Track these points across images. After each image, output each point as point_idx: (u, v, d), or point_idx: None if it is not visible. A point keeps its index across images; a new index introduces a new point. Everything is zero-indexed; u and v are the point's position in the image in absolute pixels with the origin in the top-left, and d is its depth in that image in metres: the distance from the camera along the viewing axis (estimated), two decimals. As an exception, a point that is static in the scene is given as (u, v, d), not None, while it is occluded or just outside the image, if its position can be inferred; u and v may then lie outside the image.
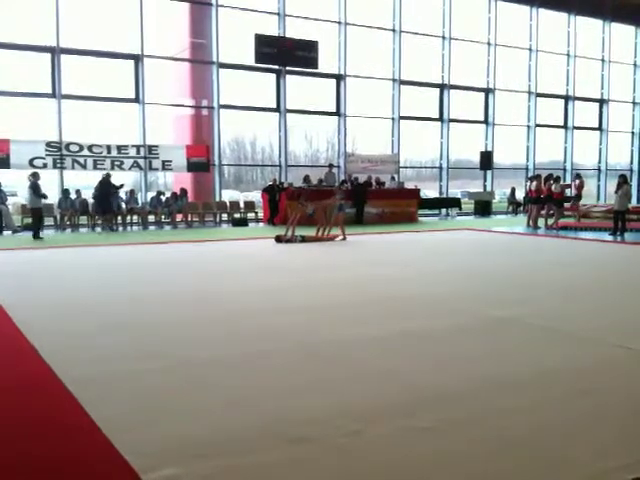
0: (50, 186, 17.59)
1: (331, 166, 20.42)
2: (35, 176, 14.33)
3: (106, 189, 16.41)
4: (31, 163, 16.35)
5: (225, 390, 3.80)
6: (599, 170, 28.43)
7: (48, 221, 16.79)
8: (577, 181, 20.47)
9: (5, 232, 15.44)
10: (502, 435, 3.12)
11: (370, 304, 6.49)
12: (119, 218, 17.10)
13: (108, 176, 16.64)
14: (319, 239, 13.41)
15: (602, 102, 27.88)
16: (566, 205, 18.46)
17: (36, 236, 14.03)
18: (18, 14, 17.15)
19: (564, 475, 2.72)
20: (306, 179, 19.01)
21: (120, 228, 16.94)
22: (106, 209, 16.55)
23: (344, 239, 13.47)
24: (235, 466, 2.79)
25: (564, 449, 2.96)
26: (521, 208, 23.51)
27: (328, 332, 5.27)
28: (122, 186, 17.12)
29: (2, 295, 6.85)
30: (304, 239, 13.08)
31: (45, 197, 14.75)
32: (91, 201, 17.05)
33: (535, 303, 6.54)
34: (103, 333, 5.22)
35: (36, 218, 14.37)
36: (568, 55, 26.42)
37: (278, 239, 13.02)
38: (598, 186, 28.45)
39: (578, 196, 19.96)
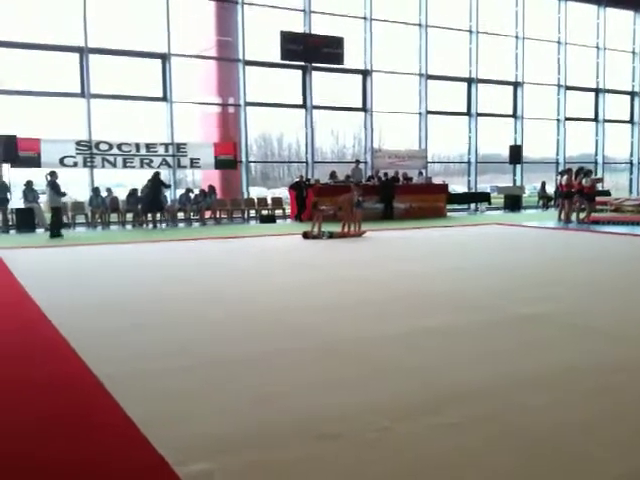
0: (81, 185, 17.92)
1: (357, 162, 20.39)
2: (53, 175, 14.33)
3: (158, 187, 16.75)
4: (62, 162, 16.63)
5: (250, 388, 3.83)
6: (631, 164, 27.95)
7: (79, 219, 17.07)
8: (559, 176, 17.88)
9: (38, 230, 15.72)
10: (525, 432, 3.11)
11: (394, 301, 6.49)
12: (149, 216, 17.27)
13: (158, 174, 17.02)
14: (346, 235, 13.40)
15: (633, 94, 27.39)
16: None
17: (56, 234, 13.96)
18: (46, 15, 17.42)
19: (586, 473, 2.70)
20: (333, 175, 19.02)
21: (150, 225, 17.10)
22: (157, 207, 16.90)
23: (359, 235, 13.47)
24: (264, 462, 2.82)
25: (586, 446, 2.95)
26: (552, 202, 23.14)
27: (351, 329, 5.28)
28: (170, 186, 17.68)
29: (36, 293, 6.98)
30: (331, 235, 13.09)
31: (64, 195, 14.71)
32: (122, 199, 17.31)
33: (560, 299, 6.46)
34: (130, 331, 5.30)
35: (57, 217, 14.34)
36: (598, 47, 26.01)
37: (305, 235, 13.06)
38: (630, 179, 27.99)
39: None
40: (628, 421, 3.26)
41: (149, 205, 16.82)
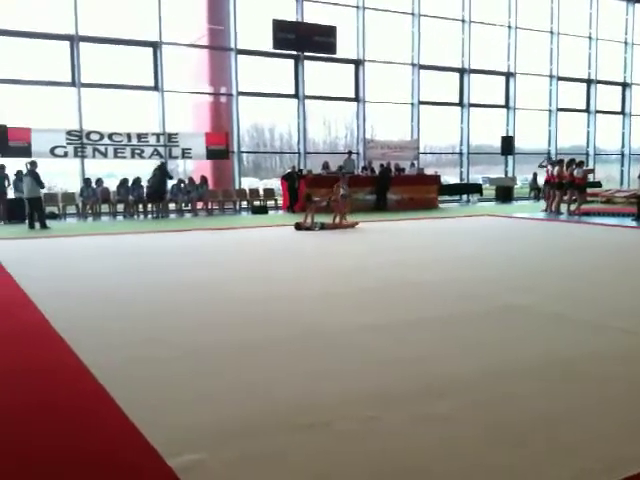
0: (72, 175, 17.81)
1: (350, 153, 20.36)
2: (33, 164, 14.03)
3: (163, 177, 17.05)
4: (52, 152, 16.51)
5: (239, 377, 3.83)
6: (622, 155, 28.04)
7: (70, 209, 16.97)
8: (550, 167, 17.34)
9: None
10: (512, 422, 3.11)
11: (385, 291, 6.51)
12: (140, 206, 17.22)
13: (163, 164, 17.27)
14: (339, 226, 13.38)
15: (625, 85, 27.44)
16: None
17: (35, 226, 13.80)
18: (37, 2, 17.24)
19: (572, 464, 2.69)
20: (325, 166, 18.99)
21: (141, 216, 17.06)
22: (162, 196, 17.14)
23: (351, 226, 13.46)
24: (254, 452, 2.81)
25: (572, 437, 2.95)
26: (542, 194, 23.15)
27: (340, 319, 5.28)
28: (173, 177, 17.91)
29: (26, 284, 6.94)
30: (323, 226, 13.07)
31: (43, 186, 14.24)
32: (113, 190, 17.23)
33: (548, 290, 6.49)
34: (116, 320, 5.28)
35: (37, 208, 14.02)
36: (590, 38, 26.01)
37: (298, 226, 13.03)
38: (621, 171, 28.09)
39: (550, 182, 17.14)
40: (613, 412, 3.27)
41: (153, 193, 16.99)
